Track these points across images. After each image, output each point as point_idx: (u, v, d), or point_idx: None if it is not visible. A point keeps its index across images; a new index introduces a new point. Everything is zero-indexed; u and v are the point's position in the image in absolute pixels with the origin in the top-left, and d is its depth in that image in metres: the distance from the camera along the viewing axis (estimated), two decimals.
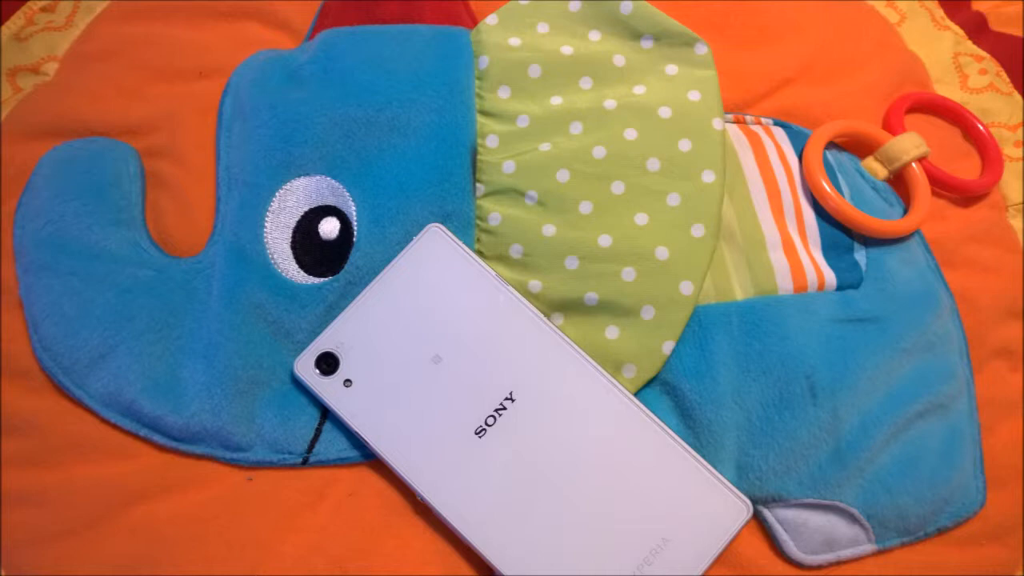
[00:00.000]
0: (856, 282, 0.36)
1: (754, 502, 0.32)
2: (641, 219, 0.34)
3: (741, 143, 0.37)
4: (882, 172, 0.38)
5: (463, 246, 0.34)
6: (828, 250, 0.36)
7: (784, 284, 0.35)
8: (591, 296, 0.33)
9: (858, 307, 0.35)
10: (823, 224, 0.37)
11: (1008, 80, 0.43)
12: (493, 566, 0.30)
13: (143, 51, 0.39)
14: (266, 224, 0.35)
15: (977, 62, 0.43)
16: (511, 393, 0.32)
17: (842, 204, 0.36)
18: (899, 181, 0.39)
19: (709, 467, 0.32)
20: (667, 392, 0.34)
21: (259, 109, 0.36)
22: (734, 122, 0.39)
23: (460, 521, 0.31)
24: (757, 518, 0.33)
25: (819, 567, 0.33)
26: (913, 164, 0.38)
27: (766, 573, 0.32)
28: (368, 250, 0.34)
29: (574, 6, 0.38)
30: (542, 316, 0.33)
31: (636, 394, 0.33)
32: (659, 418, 0.32)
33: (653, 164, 0.34)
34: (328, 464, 0.33)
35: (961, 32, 0.44)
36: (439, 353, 0.33)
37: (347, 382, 0.32)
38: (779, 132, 0.39)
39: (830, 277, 0.35)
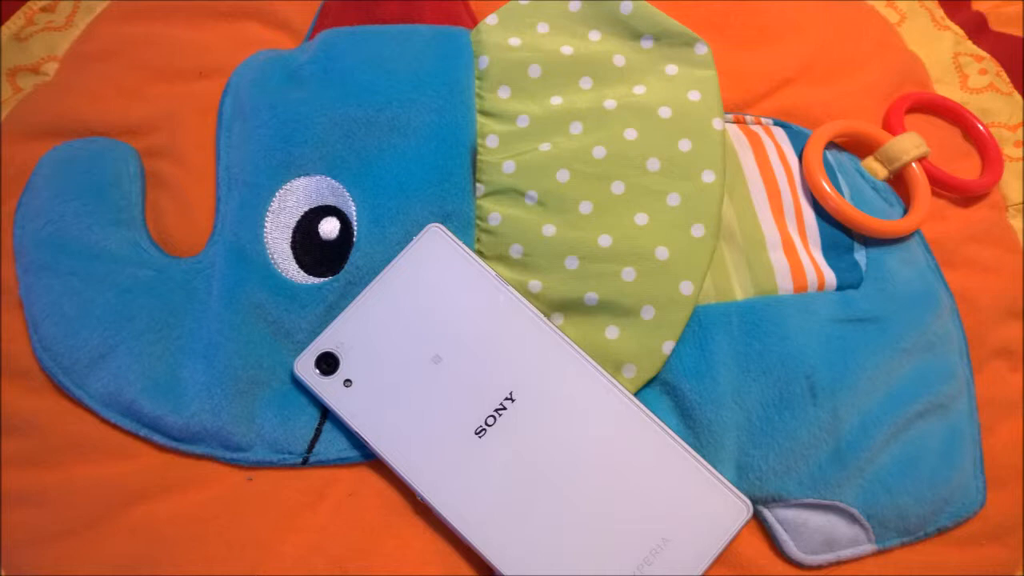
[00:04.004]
0: (856, 282, 0.36)
1: (754, 502, 0.32)
2: (641, 219, 0.34)
3: (741, 143, 0.37)
4: (882, 172, 0.38)
5: (463, 246, 0.34)
6: (828, 250, 0.36)
7: (784, 284, 0.35)
8: (591, 296, 0.33)
9: (858, 307, 0.35)
10: (823, 224, 0.37)
11: (1008, 80, 0.43)
12: (493, 566, 0.30)
13: (143, 51, 0.39)
14: (266, 224, 0.35)
15: (977, 62, 0.43)
16: (511, 393, 0.32)
17: (842, 204, 0.36)
18: (899, 181, 0.39)
19: (709, 467, 0.32)
20: (667, 392, 0.34)
21: (259, 109, 0.36)
22: (734, 122, 0.39)
23: (460, 521, 0.31)
24: (757, 518, 0.33)
25: (819, 567, 0.33)
26: (913, 164, 0.38)
27: (766, 573, 0.32)
28: (368, 250, 0.34)
29: (574, 6, 0.38)
30: (542, 316, 0.33)
31: (636, 394, 0.33)
32: (659, 418, 0.32)
33: (653, 164, 0.34)
34: (328, 464, 0.33)
35: (961, 32, 0.44)
36: (439, 353, 0.33)
37: (347, 382, 0.32)
38: (779, 132, 0.39)
39: (830, 277, 0.35)
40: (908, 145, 0.38)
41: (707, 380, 0.33)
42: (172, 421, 0.32)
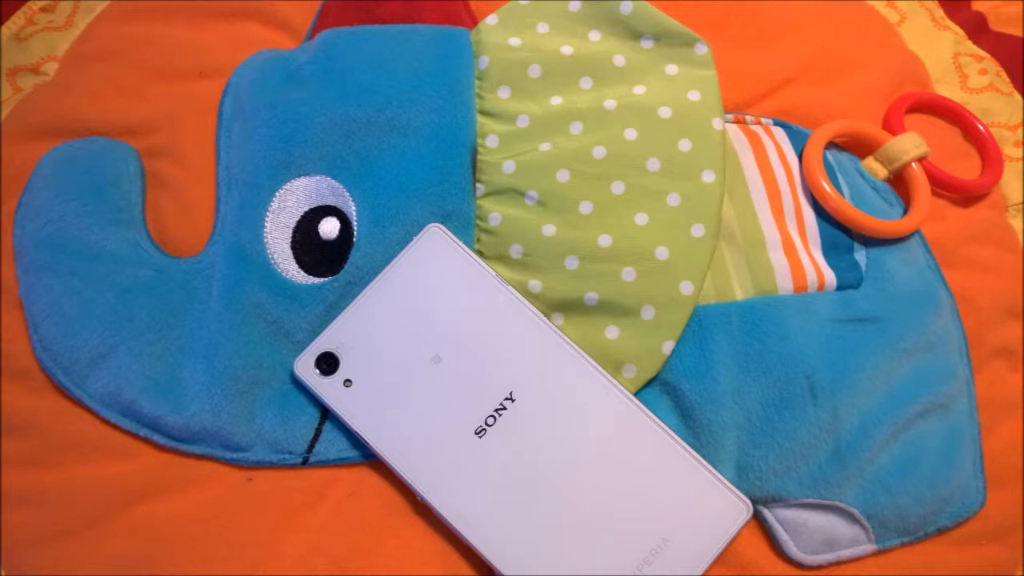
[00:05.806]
0: (856, 282, 0.36)
1: (754, 502, 0.32)
2: (641, 219, 0.34)
3: (741, 143, 0.37)
4: (882, 172, 0.38)
5: (463, 246, 0.34)
6: (828, 250, 0.36)
7: (784, 284, 0.35)
8: (591, 296, 0.33)
9: (858, 307, 0.35)
10: (823, 224, 0.37)
11: (1008, 80, 0.43)
12: (493, 566, 0.30)
13: (143, 51, 0.39)
14: (266, 224, 0.35)
15: (977, 62, 0.43)
16: (511, 393, 0.32)
17: (842, 204, 0.36)
18: (899, 181, 0.39)
19: (709, 467, 0.32)
20: (667, 392, 0.34)
21: (259, 109, 0.36)
22: (734, 122, 0.39)
23: (460, 521, 0.31)
24: (757, 518, 0.33)
25: (819, 567, 0.33)
26: (913, 164, 0.38)
27: (766, 573, 0.32)
28: (368, 250, 0.34)
29: (574, 6, 0.38)
30: (542, 316, 0.33)
31: (636, 394, 0.33)
32: (659, 418, 0.32)
33: (653, 164, 0.34)
34: (328, 464, 0.33)
35: (961, 32, 0.44)
36: (439, 353, 0.33)
37: (347, 382, 0.32)
38: (779, 132, 0.39)
39: (830, 277, 0.35)
40: (908, 145, 0.38)
41: (707, 380, 0.33)
42: (172, 421, 0.32)
